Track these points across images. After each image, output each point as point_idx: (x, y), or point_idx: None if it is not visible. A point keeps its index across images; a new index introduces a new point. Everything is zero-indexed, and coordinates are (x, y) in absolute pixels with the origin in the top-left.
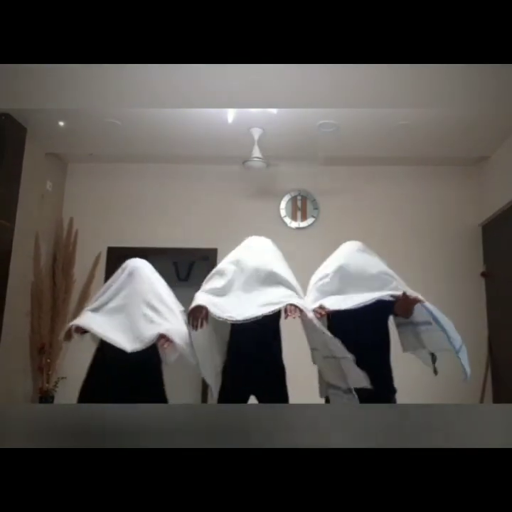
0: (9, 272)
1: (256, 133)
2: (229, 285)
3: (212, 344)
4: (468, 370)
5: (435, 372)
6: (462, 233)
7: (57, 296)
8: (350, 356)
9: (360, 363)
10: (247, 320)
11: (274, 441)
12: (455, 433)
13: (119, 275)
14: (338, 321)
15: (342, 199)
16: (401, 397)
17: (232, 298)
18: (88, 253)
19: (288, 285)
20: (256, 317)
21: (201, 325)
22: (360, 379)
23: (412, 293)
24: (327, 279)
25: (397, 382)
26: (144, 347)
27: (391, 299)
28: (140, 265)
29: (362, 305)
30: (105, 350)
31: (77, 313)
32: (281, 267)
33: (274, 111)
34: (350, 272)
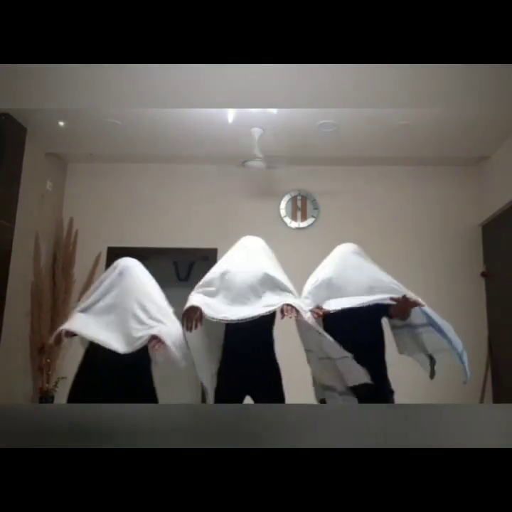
0: (9, 272)
1: (256, 133)
2: (223, 286)
3: (206, 345)
4: (468, 372)
5: (431, 375)
6: (462, 233)
7: (57, 296)
8: (349, 355)
9: (359, 363)
10: (241, 320)
11: (272, 441)
12: (455, 433)
13: (110, 274)
14: (333, 322)
15: (342, 199)
16: (401, 398)
17: (227, 299)
18: (88, 253)
19: (282, 286)
20: (252, 317)
21: (195, 326)
22: (361, 375)
23: (411, 296)
24: (321, 283)
25: (397, 382)
26: (135, 349)
27: (390, 301)
28: (131, 264)
29: (359, 306)
30: (95, 351)
31: None
32: (274, 268)
33: (274, 111)
34: (342, 276)
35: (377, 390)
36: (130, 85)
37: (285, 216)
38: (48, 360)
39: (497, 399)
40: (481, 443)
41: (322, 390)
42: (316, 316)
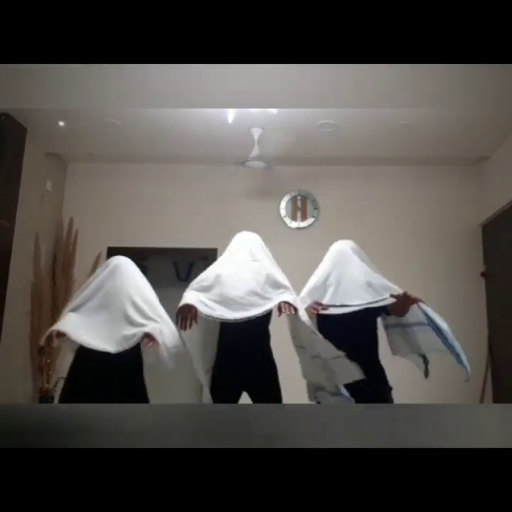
0: (9, 272)
1: (256, 133)
2: (218, 282)
3: (201, 341)
4: (468, 369)
5: (426, 375)
6: (462, 233)
7: (57, 296)
8: (341, 354)
9: (352, 358)
10: (238, 320)
11: (272, 441)
12: (455, 433)
13: (101, 272)
14: (329, 318)
15: (342, 199)
16: (401, 398)
17: (222, 295)
18: (88, 253)
19: (278, 283)
20: (248, 317)
21: (190, 325)
22: (353, 373)
23: (411, 294)
24: (320, 283)
25: (396, 382)
26: (128, 347)
27: (390, 300)
28: (123, 262)
29: (358, 309)
30: (86, 352)
31: None
32: (270, 265)
33: (274, 111)
34: (340, 275)
35: (375, 387)
36: (130, 85)
37: (285, 216)
38: (48, 360)
39: (497, 399)
40: (481, 443)
41: (314, 390)
42: (314, 311)
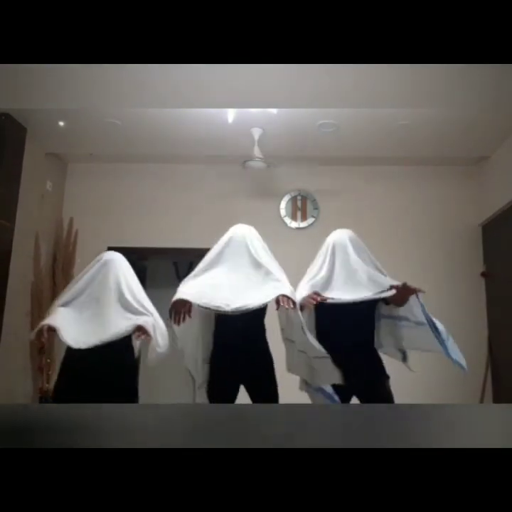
0: (9, 272)
1: (256, 133)
2: (215, 277)
3: (195, 333)
4: (463, 363)
5: (403, 359)
6: (462, 233)
7: (57, 296)
8: (327, 355)
9: (350, 350)
10: (236, 312)
11: (271, 441)
12: (455, 433)
13: (93, 266)
14: (327, 308)
15: (342, 199)
16: (401, 397)
17: (220, 289)
18: (88, 253)
19: (275, 277)
20: (247, 309)
21: (184, 319)
22: (334, 376)
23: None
24: (321, 275)
25: (397, 382)
26: (119, 337)
27: (389, 291)
28: (114, 257)
29: (360, 301)
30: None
31: None
32: (266, 257)
33: (274, 111)
34: (337, 267)
35: (373, 376)
36: (130, 85)
37: (285, 216)
38: (48, 360)
39: (497, 399)
40: (481, 443)
41: (304, 383)
42: (313, 301)
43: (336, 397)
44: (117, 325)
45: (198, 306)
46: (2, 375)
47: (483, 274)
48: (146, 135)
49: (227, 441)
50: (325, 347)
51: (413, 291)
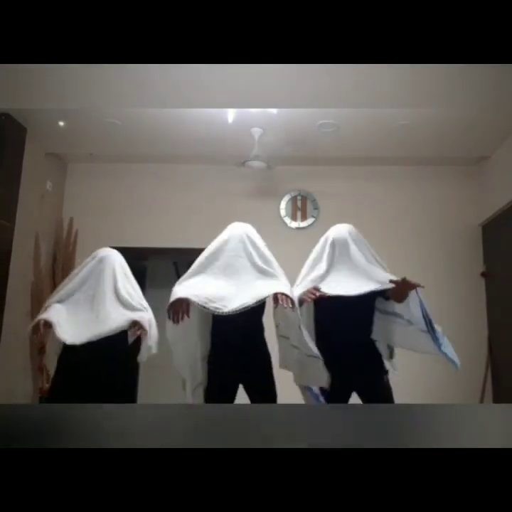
0: (9, 272)
1: (256, 133)
2: (212, 276)
3: (190, 333)
4: (456, 360)
5: (390, 356)
6: (462, 233)
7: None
8: (319, 357)
9: (351, 346)
10: (233, 312)
11: (271, 441)
12: (455, 433)
13: (88, 263)
14: (326, 302)
15: (342, 199)
16: (401, 397)
17: (217, 288)
18: (88, 253)
19: (272, 275)
20: (244, 308)
21: (182, 318)
22: (321, 378)
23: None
24: (315, 271)
25: (397, 382)
26: (114, 333)
27: (389, 285)
28: (110, 254)
29: (358, 294)
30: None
31: None
32: (265, 257)
33: (274, 111)
34: (336, 262)
35: (372, 370)
36: (130, 85)
37: (285, 216)
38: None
39: (497, 399)
40: (481, 443)
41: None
42: (312, 296)
43: (322, 398)
44: (114, 320)
45: (197, 305)
46: (2, 375)
47: (483, 274)
48: (146, 135)
49: (227, 441)
50: (325, 342)
51: (413, 286)
